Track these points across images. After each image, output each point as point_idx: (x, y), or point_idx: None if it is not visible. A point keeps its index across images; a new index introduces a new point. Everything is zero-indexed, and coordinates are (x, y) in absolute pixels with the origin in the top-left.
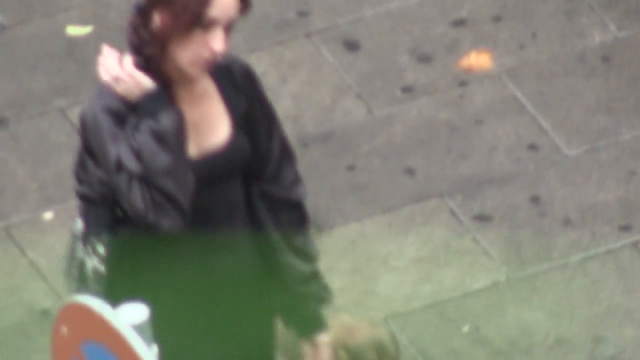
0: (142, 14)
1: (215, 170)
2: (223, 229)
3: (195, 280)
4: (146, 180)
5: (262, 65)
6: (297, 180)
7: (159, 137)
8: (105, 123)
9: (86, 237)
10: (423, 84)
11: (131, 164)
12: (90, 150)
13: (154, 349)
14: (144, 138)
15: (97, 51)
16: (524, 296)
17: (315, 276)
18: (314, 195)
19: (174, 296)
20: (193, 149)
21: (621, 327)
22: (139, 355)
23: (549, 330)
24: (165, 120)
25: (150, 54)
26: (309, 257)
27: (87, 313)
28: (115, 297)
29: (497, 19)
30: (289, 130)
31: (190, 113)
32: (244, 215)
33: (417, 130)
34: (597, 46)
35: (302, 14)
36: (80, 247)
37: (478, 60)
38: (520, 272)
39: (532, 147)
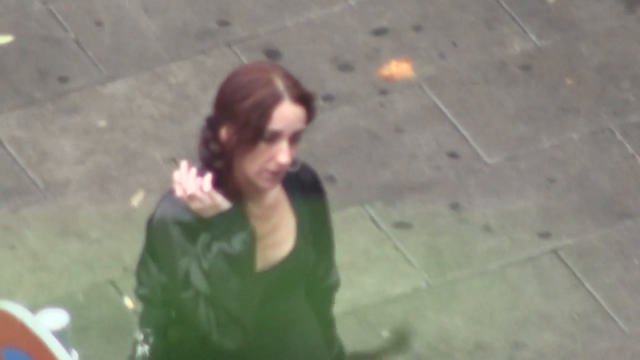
0: (212, 127)
1: (277, 281)
2: (280, 344)
3: None
4: (213, 300)
5: (183, 75)
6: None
7: (231, 261)
8: (176, 235)
9: (142, 325)
10: (344, 92)
11: (200, 284)
12: (153, 254)
13: (74, 355)
14: (215, 260)
15: (17, 61)
16: (443, 302)
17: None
18: None
19: None
20: (259, 262)
21: (540, 332)
22: None
23: (468, 336)
24: (238, 244)
25: (220, 167)
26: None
27: (7, 319)
28: None
29: (417, 28)
30: None
31: (261, 227)
32: (307, 332)
33: (337, 139)
34: (518, 55)
35: (223, 23)
36: (137, 330)
37: (399, 69)
38: (440, 279)
39: (453, 155)
